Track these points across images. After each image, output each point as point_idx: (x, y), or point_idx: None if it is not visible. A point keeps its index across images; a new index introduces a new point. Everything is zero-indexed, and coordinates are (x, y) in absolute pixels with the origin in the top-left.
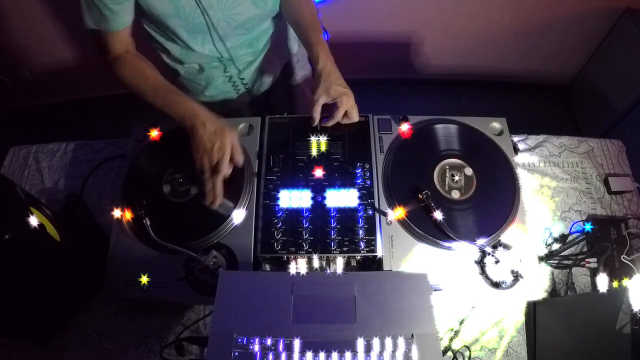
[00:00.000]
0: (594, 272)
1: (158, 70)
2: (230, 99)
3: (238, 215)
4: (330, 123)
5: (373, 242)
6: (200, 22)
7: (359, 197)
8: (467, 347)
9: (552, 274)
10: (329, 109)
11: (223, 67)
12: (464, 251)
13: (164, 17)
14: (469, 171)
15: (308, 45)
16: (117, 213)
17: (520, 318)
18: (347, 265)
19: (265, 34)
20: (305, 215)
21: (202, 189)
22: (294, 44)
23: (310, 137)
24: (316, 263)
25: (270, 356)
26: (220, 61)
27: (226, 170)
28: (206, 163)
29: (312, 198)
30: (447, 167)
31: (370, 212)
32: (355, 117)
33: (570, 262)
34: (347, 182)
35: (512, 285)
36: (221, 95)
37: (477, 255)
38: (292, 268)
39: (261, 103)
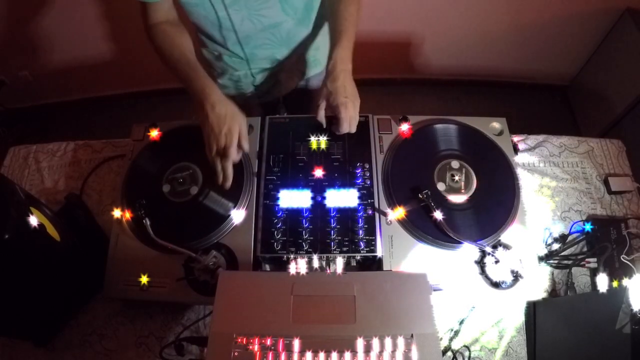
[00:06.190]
0: (593, 272)
1: (192, 45)
2: (240, 94)
3: (238, 215)
4: (339, 132)
5: (373, 242)
6: (222, 16)
7: (359, 197)
8: (467, 347)
9: (552, 274)
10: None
11: (240, 64)
12: (463, 251)
13: (188, 5)
14: (469, 171)
15: (331, 45)
16: (117, 213)
17: (520, 318)
18: (347, 265)
19: (289, 46)
20: (305, 215)
21: (212, 171)
22: (318, 66)
23: (310, 137)
24: (316, 263)
25: (270, 356)
26: (240, 58)
27: (234, 155)
28: (214, 146)
29: (312, 198)
30: (447, 167)
31: (370, 212)
32: (351, 129)
33: (570, 262)
34: (347, 182)
35: (512, 285)
36: (232, 88)
37: (477, 255)
38: (292, 268)
39: (272, 104)
